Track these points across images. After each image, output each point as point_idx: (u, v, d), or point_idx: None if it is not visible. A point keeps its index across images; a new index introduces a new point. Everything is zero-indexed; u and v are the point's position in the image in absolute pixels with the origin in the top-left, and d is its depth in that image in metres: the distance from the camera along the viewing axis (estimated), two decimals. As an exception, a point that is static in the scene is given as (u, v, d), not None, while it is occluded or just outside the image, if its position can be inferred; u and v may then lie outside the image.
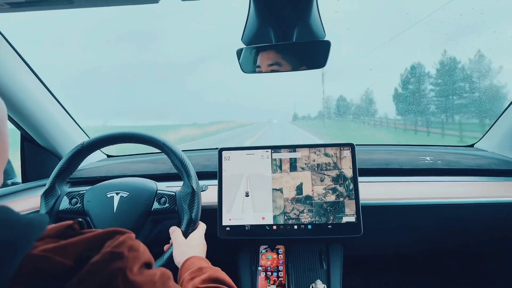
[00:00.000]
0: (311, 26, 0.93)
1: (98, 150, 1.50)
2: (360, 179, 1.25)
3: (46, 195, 0.99)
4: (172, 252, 0.91)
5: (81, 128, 1.46)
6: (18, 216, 0.37)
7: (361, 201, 1.12)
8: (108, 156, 1.69)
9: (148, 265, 0.43)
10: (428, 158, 1.33)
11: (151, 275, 0.42)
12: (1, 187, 1.28)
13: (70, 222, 0.42)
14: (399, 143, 1.56)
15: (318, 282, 1.15)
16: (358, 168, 1.24)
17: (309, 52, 0.90)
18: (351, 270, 1.31)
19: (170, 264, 0.89)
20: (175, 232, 0.94)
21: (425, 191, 1.19)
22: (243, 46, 0.98)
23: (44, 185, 1.02)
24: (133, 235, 0.44)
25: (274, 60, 0.98)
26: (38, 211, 1.00)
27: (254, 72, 0.96)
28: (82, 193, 1.01)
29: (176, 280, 0.78)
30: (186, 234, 0.94)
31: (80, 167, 1.43)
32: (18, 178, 1.36)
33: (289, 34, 0.91)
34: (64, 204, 1.00)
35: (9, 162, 1.34)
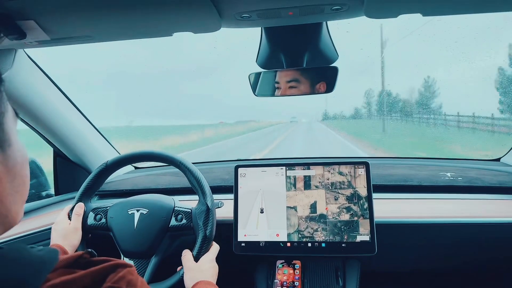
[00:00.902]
0: (322, 50, 0.95)
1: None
2: (378, 195, 1.25)
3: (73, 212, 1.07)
4: (181, 275, 0.95)
5: (109, 143, 1.55)
6: (30, 254, 0.42)
7: (378, 219, 1.12)
8: (136, 168, 1.77)
9: None
10: (448, 174, 1.31)
11: None
12: (37, 199, 1.39)
13: (80, 252, 0.47)
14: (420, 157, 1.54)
15: (333, 298, 1.16)
16: (376, 185, 1.24)
17: (318, 77, 0.92)
18: (369, 287, 1.31)
19: (179, 286, 0.94)
20: (186, 257, 0.98)
21: (445, 209, 1.18)
22: (256, 70, 1.01)
23: (72, 198, 1.09)
24: (133, 269, 0.48)
25: (283, 85, 1.00)
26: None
27: (264, 96, 0.99)
28: (106, 210, 1.08)
29: None
30: (197, 258, 0.98)
31: (109, 179, 1.52)
32: (52, 191, 1.47)
33: (299, 60, 0.94)
34: (90, 220, 1.07)
35: (44, 175, 1.45)
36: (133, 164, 1.78)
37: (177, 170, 1.10)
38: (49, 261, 0.42)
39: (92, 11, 0.72)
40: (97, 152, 1.44)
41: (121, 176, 1.61)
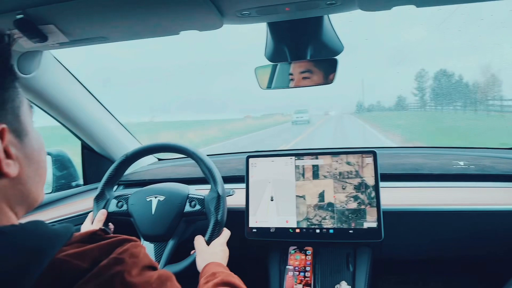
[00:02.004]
0: (325, 43, 0.98)
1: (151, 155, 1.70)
2: (387, 184, 1.27)
3: (97, 200, 1.17)
4: (194, 257, 1.02)
5: (131, 134, 1.64)
6: (46, 228, 0.48)
7: (387, 207, 1.14)
8: (159, 159, 1.87)
9: (150, 268, 0.53)
10: (461, 163, 1.30)
11: (149, 277, 0.51)
12: (67, 189, 1.51)
13: (95, 229, 0.53)
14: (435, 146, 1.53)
15: (343, 283, 1.20)
16: (386, 173, 1.26)
17: (320, 69, 0.96)
18: (380, 273, 1.34)
19: (192, 268, 1.01)
20: (198, 240, 1.04)
21: (455, 197, 1.18)
22: (263, 63, 1.06)
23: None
24: (138, 243, 0.54)
25: (296, 76, 1.04)
26: (91, 211, 1.18)
27: (269, 88, 1.03)
28: (127, 197, 1.17)
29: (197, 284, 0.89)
30: (209, 242, 1.04)
31: (132, 170, 1.62)
32: (81, 181, 1.59)
33: (303, 53, 0.97)
34: (112, 207, 1.16)
35: (73, 166, 1.57)
36: (157, 156, 1.87)
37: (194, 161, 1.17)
38: (64, 234, 0.49)
39: (105, 15, 0.79)
40: (120, 144, 1.54)
41: (145, 167, 1.71)
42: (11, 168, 0.47)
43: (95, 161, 1.54)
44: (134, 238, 0.54)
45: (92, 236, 0.51)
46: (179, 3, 0.74)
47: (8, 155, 0.47)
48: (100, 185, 1.18)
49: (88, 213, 1.22)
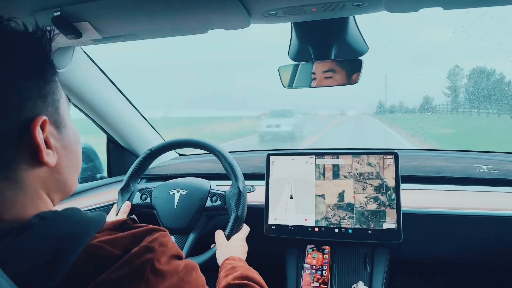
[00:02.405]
0: (349, 43, 0.99)
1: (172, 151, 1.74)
2: (408, 185, 1.26)
3: (122, 192, 1.21)
4: (214, 251, 1.05)
5: (155, 130, 1.69)
6: (82, 215, 0.51)
7: (407, 208, 1.14)
8: (180, 154, 1.91)
9: (177, 257, 0.55)
10: (484, 167, 1.28)
11: (176, 265, 0.54)
12: (92, 180, 1.56)
13: (125, 218, 0.56)
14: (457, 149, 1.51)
15: (360, 283, 1.20)
16: (407, 175, 1.25)
17: (344, 69, 0.96)
18: (397, 275, 1.33)
19: (212, 261, 1.04)
20: (218, 235, 1.07)
21: (477, 201, 1.17)
22: (287, 63, 1.07)
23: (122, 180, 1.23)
24: (166, 233, 0.56)
25: (319, 75, 1.05)
26: (116, 203, 1.22)
27: (299, 87, 1.04)
28: (150, 190, 1.21)
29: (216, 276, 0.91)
30: (229, 237, 1.07)
31: (155, 164, 1.66)
32: (105, 173, 1.64)
33: (327, 53, 0.98)
34: (136, 199, 1.20)
35: (98, 159, 1.62)
36: (178, 151, 1.91)
37: (215, 157, 1.20)
38: (97, 222, 0.52)
39: (136, 14, 0.83)
40: (144, 139, 1.59)
41: (167, 162, 1.75)
42: (50, 158, 0.50)
43: (120, 154, 1.59)
44: (162, 228, 0.56)
45: (122, 224, 0.53)
46: (208, 3, 0.77)
47: (48, 145, 0.50)
48: (125, 177, 1.22)
49: (112, 204, 1.26)
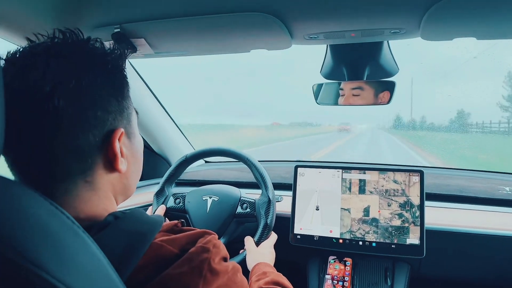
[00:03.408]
0: (382, 65, 1.05)
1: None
2: (431, 203, 1.30)
3: (157, 195, 1.28)
4: (244, 256, 1.10)
5: (187, 139, 1.77)
6: (147, 216, 0.57)
7: (430, 225, 1.17)
8: (206, 161, 1.98)
9: (225, 259, 0.61)
10: (507, 188, 1.31)
11: (226, 266, 0.60)
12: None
13: (176, 221, 0.62)
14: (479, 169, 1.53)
15: (381, 296, 1.24)
16: (431, 193, 1.29)
17: (381, 88, 1.02)
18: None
19: (242, 265, 1.09)
20: (248, 241, 1.13)
21: (500, 222, 1.19)
22: (320, 81, 1.13)
23: (155, 184, 1.31)
24: (217, 236, 0.62)
25: (347, 92, 1.11)
26: (151, 205, 1.29)
27: (328, 104, 1.10)
28: (184, 195, 1.28)
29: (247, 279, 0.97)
30: (258, 243, 1.13)
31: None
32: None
33: (360, 73, 1.04)
34: (170, 203, 1.27)
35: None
36: (204, 158, 1.99)
37: (241, 166, 1.26)
38: (159, 222, 0.58)
39: (187, 33, 0.90)
40: (176, 146, 1.67)
41: (194, 168, 1.82)
42: (123, 165, 0.57)
43: (152, 159, 1.67)
44: (212, 231, 0.62)
45: (174, 228, 0.59)
46: (255, 25, 0.83)
47: (121, 154, 0.56)
48: (161, 182, 1.29)
49: (144, 206, 1.33)
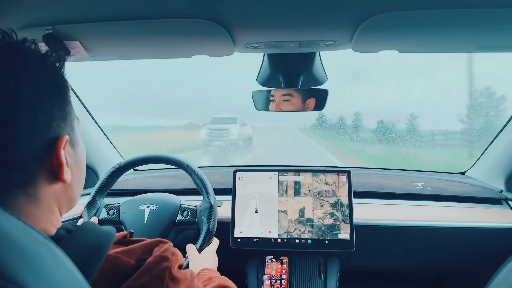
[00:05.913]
0: (314, 74, 1.12)
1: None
2: (357, 200, 1.42)
3: (88, 207, 1.19)
4: (187, 263, 1.07)
5: (115, 148, 1.67)
6: (100, 228, 0.54)
7: (357, 221, 1.28)
8: (134, 170, 1.90)
9: (181, 266, 0.61)
10: (419, 184, 1.49)
11: (185, 273, 0.59)
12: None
13: (125, 232, 0.60)
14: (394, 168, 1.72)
15: (316, 291, 1.32)
16: (356, 191, 1.41)
17: (309, 95, 1.09)
18: (346, 282, 1.47)
19: None
20: (190, 248, 1.11)
21: (415, 214, 1.36)
22: (257, 87, 1.17)
23: (84, 195, 1.21)
24: (172, 244, 0.61)
25: (277, 98, 1.16)
26: (80, 217, 1.20)
27: (265, 110, 1.15)
28: (118, 206, 1.21)
29: None
30: (200, 249, 1.12)
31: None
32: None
33: (294, 81, 1.10)
34: (103, 214, 1.20)
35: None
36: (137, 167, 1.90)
37: (175, 173, 1.24)
38: (113, 234, 0.55)
39: (124, 37, 0.87)
40: (104, 156, 1.57)
41: (122, 177, 1.73)
42: (68, 175, 0.53)
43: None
44: (166, 240, 0.61)
45: (123, 239, 0.58)
46: (199, 32, 0.84)
47: (66, 163, 0.52)
48: (92, 192, 1.21)
49: (73, 220, 1.23)
